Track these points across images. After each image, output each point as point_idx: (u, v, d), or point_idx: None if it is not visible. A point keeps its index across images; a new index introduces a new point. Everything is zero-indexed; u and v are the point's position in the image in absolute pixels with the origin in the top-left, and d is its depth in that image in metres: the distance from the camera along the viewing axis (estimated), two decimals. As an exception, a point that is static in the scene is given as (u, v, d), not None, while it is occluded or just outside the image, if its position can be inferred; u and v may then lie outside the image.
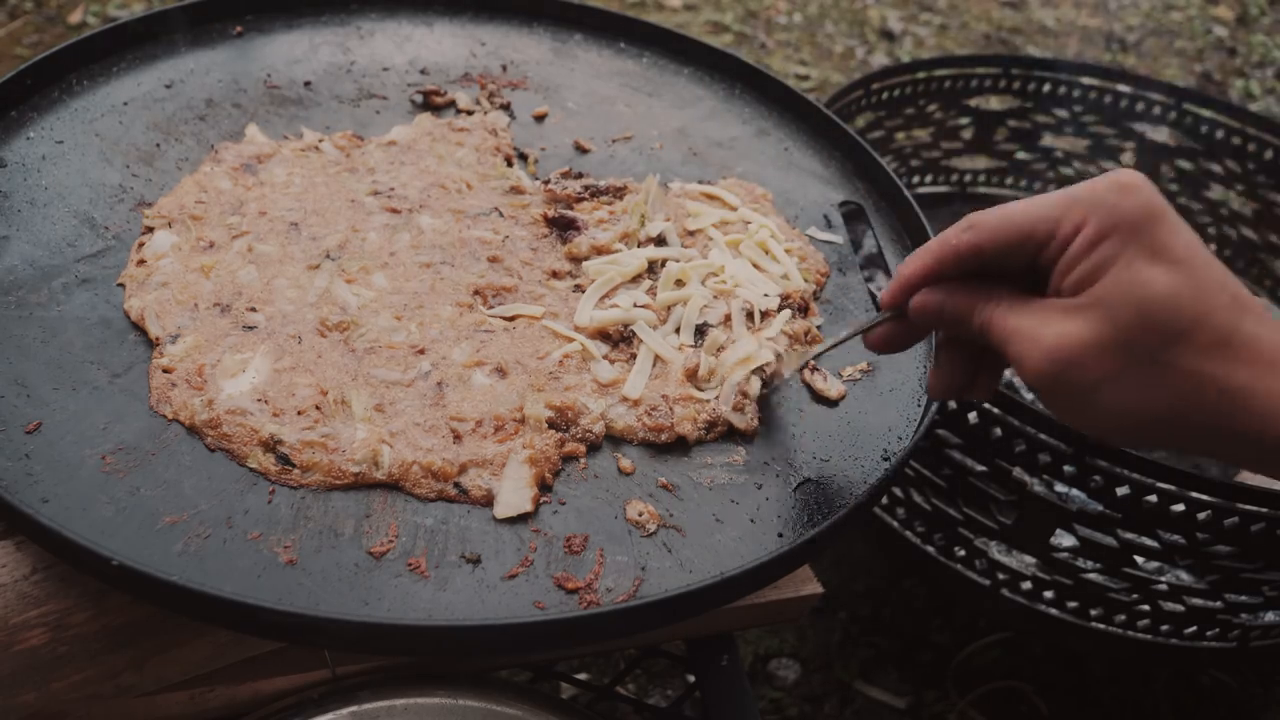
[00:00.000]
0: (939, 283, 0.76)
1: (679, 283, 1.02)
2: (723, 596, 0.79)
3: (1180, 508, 1.31)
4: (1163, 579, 1.43)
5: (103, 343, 0.90)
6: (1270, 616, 1.51)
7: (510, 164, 1.19)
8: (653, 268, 1.04)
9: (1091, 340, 0.66)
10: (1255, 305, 0.66)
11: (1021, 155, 2.25)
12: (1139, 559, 1.41)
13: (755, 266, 1.06)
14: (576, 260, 1.05)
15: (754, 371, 0.94)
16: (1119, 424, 0.68)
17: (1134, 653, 1.52)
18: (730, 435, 0.93)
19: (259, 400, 0.86)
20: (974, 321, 0.74)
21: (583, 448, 0.89)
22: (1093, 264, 0.67)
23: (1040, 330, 0.69)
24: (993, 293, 0.73)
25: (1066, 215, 0.68)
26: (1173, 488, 1.30)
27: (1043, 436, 1.35)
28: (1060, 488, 1.43)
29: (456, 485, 0.83)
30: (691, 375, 0.94)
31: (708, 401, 0.93)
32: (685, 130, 1.29)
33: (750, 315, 1.00)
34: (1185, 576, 1.49)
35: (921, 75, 2.06)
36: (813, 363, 0.99)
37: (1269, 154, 2.08)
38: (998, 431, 1.38)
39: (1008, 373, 1.84)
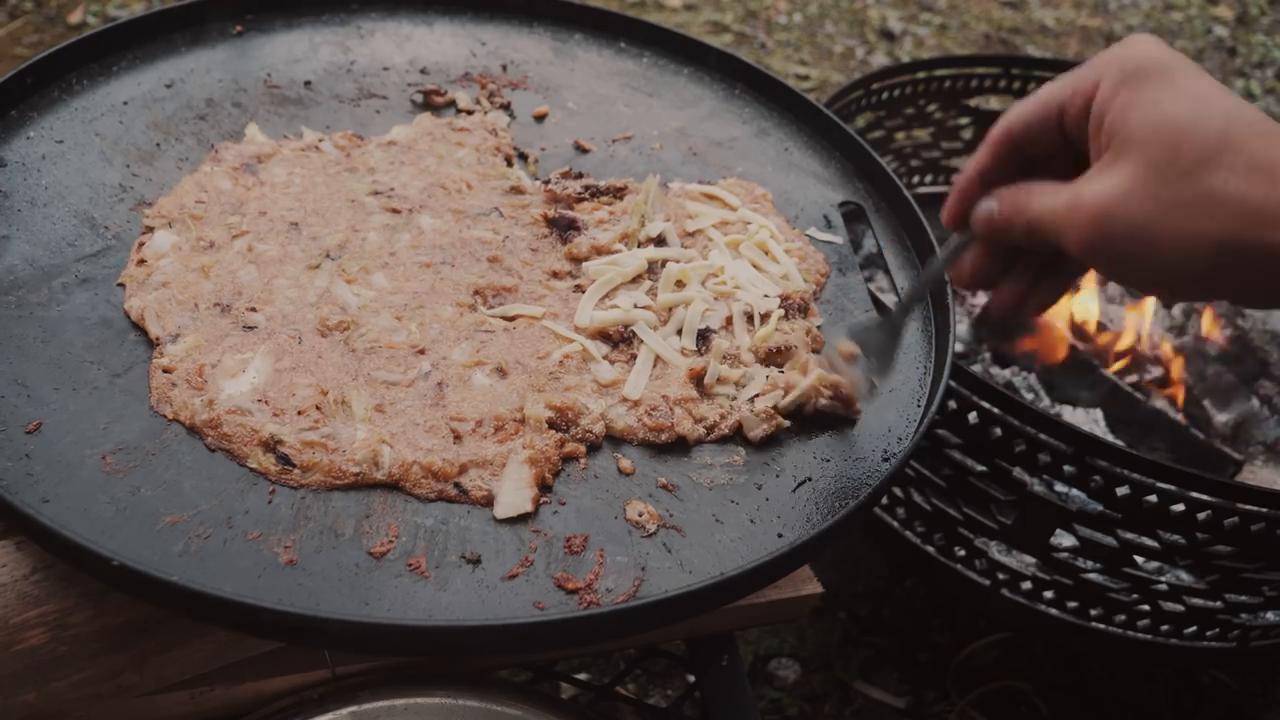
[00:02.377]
0: (990, 188, 0.77)
1: (679, 283, 1.02)
2: (723, 597, 0.79)
3: (1180, 508, 1.31)
4: (1163, 579, 1.43)
5: (103, 343, 0.90)
6: (1270, 616, 1.51)
7: (510, 164, 1.19)
8: (653, 268, 1.04)
9: (1129, 186, 0.66)
10: None
11: (1021, 155, 2.24)
12: (1139, 559, 1.41)
13: (755, 267, 1.06)
14: (576, 260, 1.05)
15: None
16: (1181, 271, 0.65)
17: (1134, 653, 1.52)
18: (730, 436, 0.93)
19: (259, 400, 0.86)
20: (1024, 217, 0.73)
21: (583, 448, 0.89)
22: (1115, 113, 0.67)
23: (1081, 196, 0.68)
24: (1037, 185, 0.73)
25: (1080, 81, 0.70)
26: (1173, 488, 1.30)
27: (1043, 436, 1.35)
28: (1060, 488, 1.43)
29: (456, 485, 0.83)
30: (697, 380, 0.94)
31: (724, 408, 0.93)
32: (685, 130, 1.29)
33: (750, 317, 1.00)
34: (1185, 576, 1.49)
35: (921, 75, 2.06)
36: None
37: (1269, 154, 2.07)
38: (998, 431, 1.38)
39: (1014, 379, 1.84)
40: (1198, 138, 0.64)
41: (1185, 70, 0.67)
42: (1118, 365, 1.89)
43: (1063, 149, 0.74)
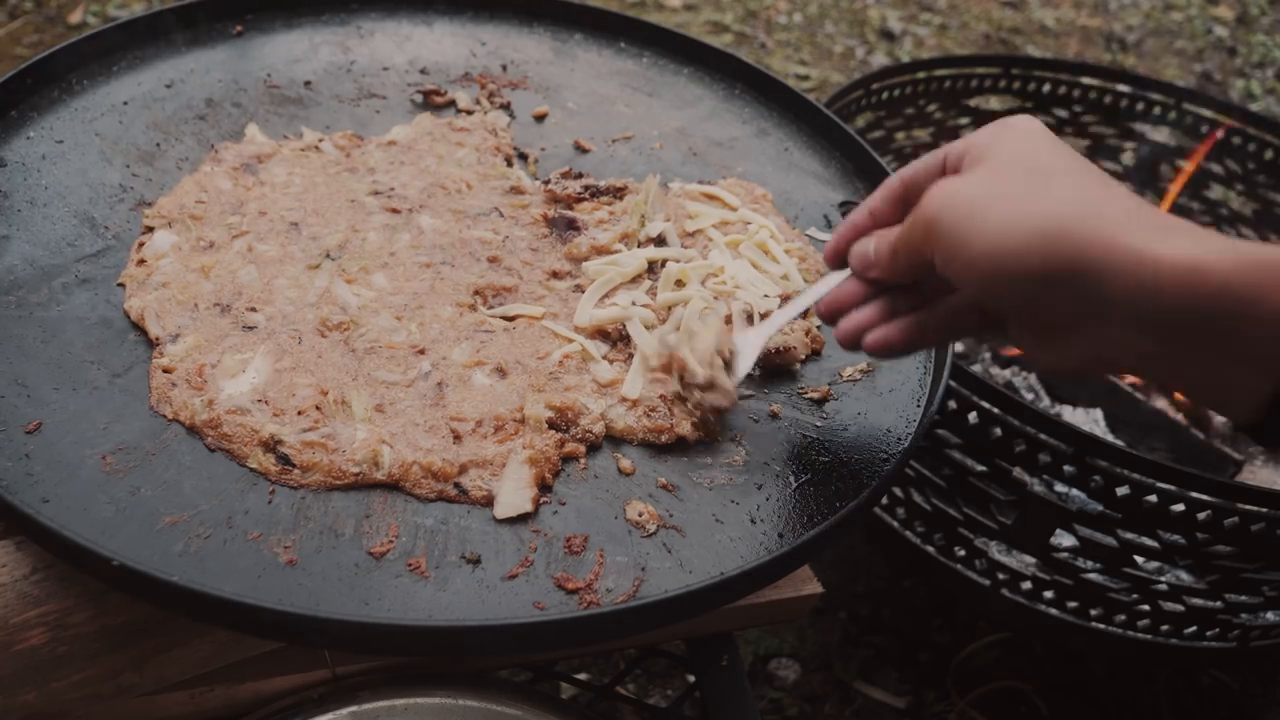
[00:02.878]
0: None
1: (679, 283, 1.02)
2: (723, 597, 0.79)
3: (1180, 508, 1.31)
4: (1163, 579, 1.43)
5: (103, 343, 0.90)
6: (1270, 616, 1.51)
7: (510, 164, 1.19)
8: (653, 268, 1.04)
9: (976, 177, 0.73)
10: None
11: (1021, 155, 2.24)
12: (1139, 559, 1.41)
13: (755, 267, 1.06)
14: (576, 260, 1.05)
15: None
16: (1001, 248, 0.68)
17: (1134, 653, 1.52)
18: (730, 433, 0.92)
19: (259, 400, 0.86)
20: (887, 242, 0.79)
21: (583, 448, 0.89)
22: (983, 145, 0.75)
23: (933, 190, 0.74)
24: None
25: (963, 140, 0.78)
26: (1173, 488, 1.30)
27: (1043, 436, 1.35)
28: (1060, 488, 1.44)
29: (456, 485, 0.83)
30: (666, 369, 0.92)
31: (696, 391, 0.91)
32: (685, 130, 1.29)
33: (750, 317, 1.00)
34: (1185, 576, 1.49)
35: (921, 75, 2.06)
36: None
37: (1269, 154, 2.08)
38: (998, 431, 1.38)
39: (1014, 379, 1.84)
40: (1042, 159, 0.72)
41: (1046, 133, 0.75)
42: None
43: None
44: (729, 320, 0.94)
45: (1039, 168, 0.71)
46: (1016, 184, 0.70)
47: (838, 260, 0.86)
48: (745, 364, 0.90)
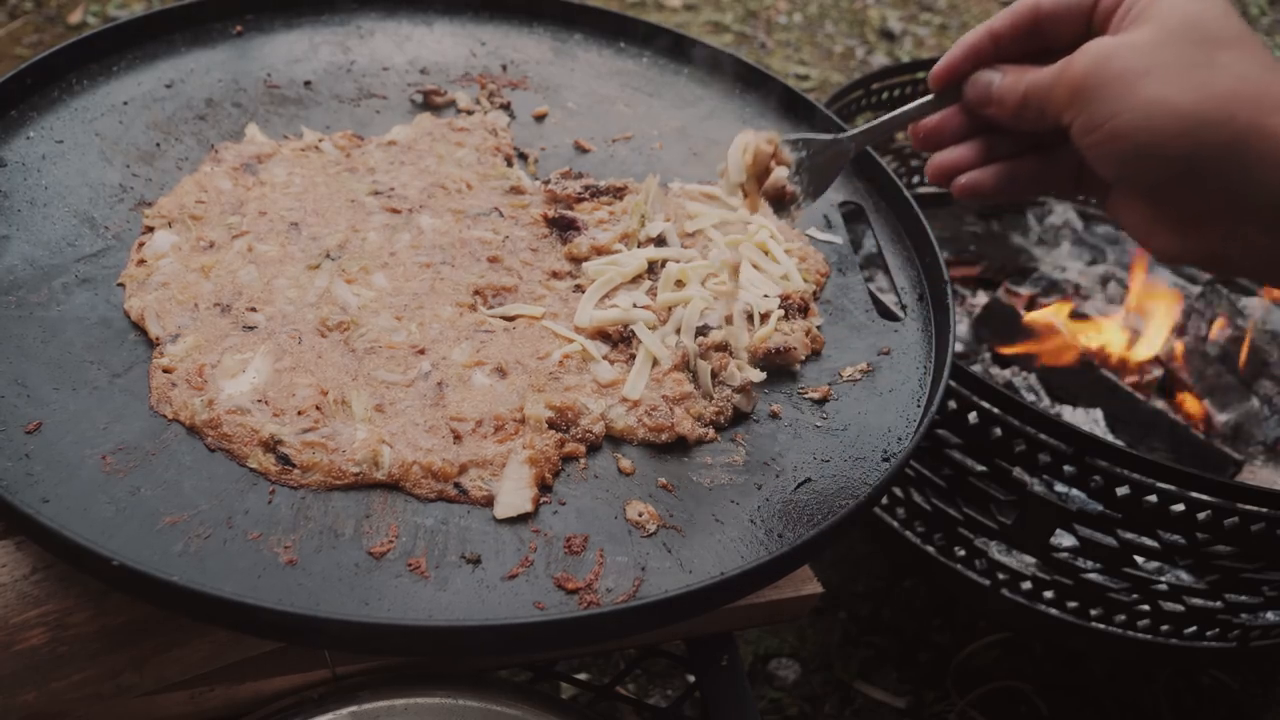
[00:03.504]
0: (995, 59, 0.76)
1: (679, 283, 1.02)
2: (723, 597, 0.79)
3: (1180, 508, 1.31)
4: (1163, 579, 1.43)
5: (103, 343, 0.90)
6: (1270, 616, 1.51)
7: (510, 164, 1.19)
8: (653, 268, 1.04)
9: (1137, 40, 0.66)
10: None
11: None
12: (1139, 559, 1.41)
13: (755, 267, 1.06)
14: (576, 260, 1.05)
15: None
16: (1157, 125, 0.63)
17: (1134, 653, 1.52)
18: (730, 433, 0.93)
19: (259, 400, 0.86)
20: (1020, 87, 0.72)
21: (583, 448, 0.89)
22: (1147, 1, 0.67)
23: (1082, 50, 0.68)
24: (1037, 68, 0.72)
25: None
26: (1173, 488, 1.30)
27: (1043, 436, 1.35)
28: (1060, 488, 1.43)
29: (456, 485, 0.83)
30: (682, 367, 0.93)
31: (719, 405, 0.93)
32: (685, 130, 1.29)
33: (750, 316, 1.00)
34: (1185, 576, 1.49)
35: (921, 75, 2.06)
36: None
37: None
38: (998, 431, 1.38)
39: (1014, 379, 1.84)
40: (1218, 27, 0.65)
41: None
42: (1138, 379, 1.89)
43: (1085, 36, 0.72)
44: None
45: (1205, 36, 0.65)
46: (1179, 54, 0.64)
47: (947, 81, 0.79)
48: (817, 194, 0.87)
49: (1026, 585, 1.52)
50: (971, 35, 0.77)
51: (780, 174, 0.86)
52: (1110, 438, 1.74)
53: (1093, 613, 1.49)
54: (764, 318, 1.00)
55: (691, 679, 1.14)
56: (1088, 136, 0.67)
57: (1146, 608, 1.47)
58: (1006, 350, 1.89)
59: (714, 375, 0.94)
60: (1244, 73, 0.63)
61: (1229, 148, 0.62)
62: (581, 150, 1.23)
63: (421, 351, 0.92)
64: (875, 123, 0.86)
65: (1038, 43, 0.75)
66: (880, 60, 3.52)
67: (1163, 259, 0.71)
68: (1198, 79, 0.63)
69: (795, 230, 1.15)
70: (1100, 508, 1.36)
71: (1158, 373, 1.90)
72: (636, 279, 1.03)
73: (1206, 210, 0.65)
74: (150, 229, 1.01)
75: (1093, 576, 1.46)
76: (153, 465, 0.81)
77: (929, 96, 0.81)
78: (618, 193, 1.12)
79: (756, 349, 0.98)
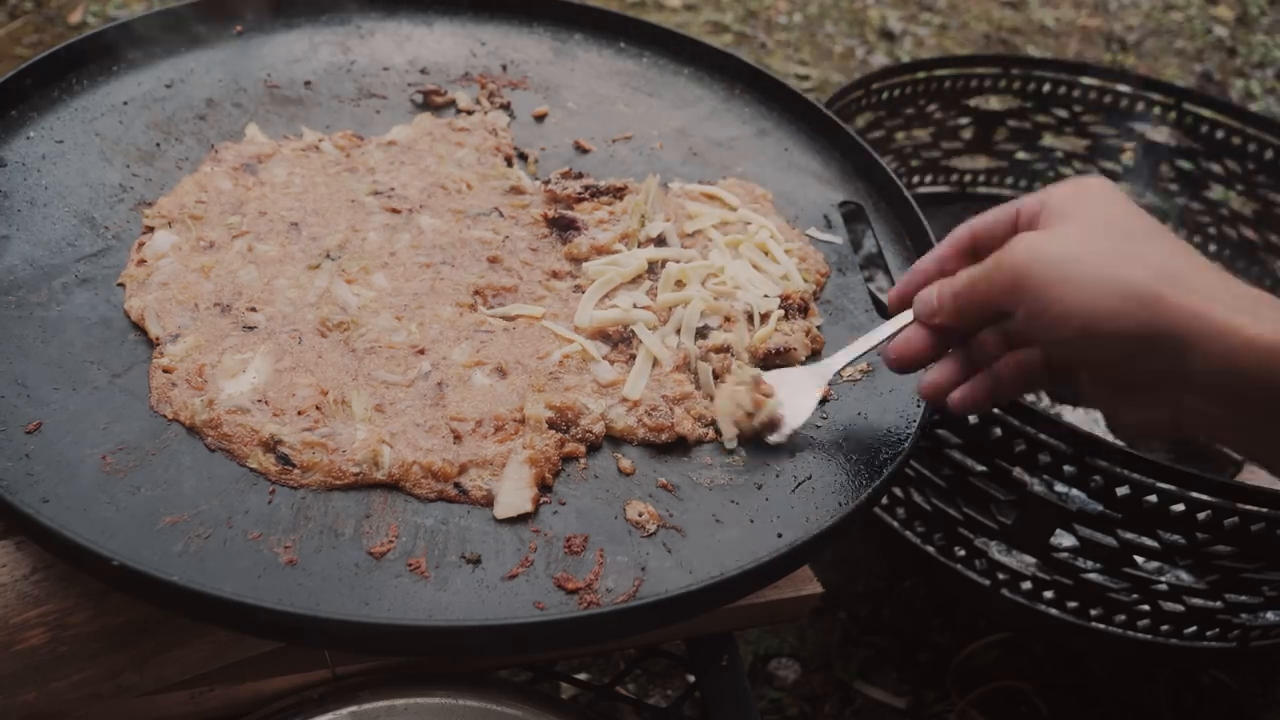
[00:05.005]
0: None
1: (679, 284, 1.02)
2: (723, 597, 0.79)
3: (1180, 508, 1.31)
4: (1163, 579, 1.43)
5: (103, 343, 0.90)
6: (1270, 616, 1.51)
7: (510, 164, 1.19)
8: (653, 268, 1.04)
9: (1064, 233, 0.74)
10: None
11: (1021, 155, 2.25)
12: (1139, 559, 1.41)
13: (755, 267, 1.06)
14: (576, 260, 1.05)
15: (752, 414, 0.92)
16: (1092, 310, 0.70)
17: (1134, 653, 1.52)
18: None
19: (259, 400, 0.86)
20: (953, 289, 0.81)
21: (583, 448, 0.89)
22: (1062, 203, 0.77)
23: (1016, 241, 0.76)
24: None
25: (1039, 194, 0.80)
26: (1173, 488, 1.30)
27: (1043, 436, 1.35)
28: (1060, 488, 1.43)
29: (456, 485, 0.83)
30: (683, 368, 0.94)
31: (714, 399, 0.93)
32: (685, 130, 1.29)
33: (750, 317, 1.00)
34: (1185, 576, 1.49)
35: (921, 75, 2.06)
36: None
37: (1269, 154, 2.08)
38: (998, 431, 1.38)
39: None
40: (1128, 222, 0.73)
41: (1122, 196, 0.76)
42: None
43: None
44: (759, 385, 0.94)
45: (1126, 230, 0.72)
46: (1107, 243, 0.71)
47: (901, 307, 0.89)
48: (798, 419, 0.92)
49: (1026, 585, 1.52)
50: (918, 263, 0.88)
51: (771, 406, 0.92)
52: (1110, 438, 1.74)
53: (1093, 613, 1.49)
54: (764, 318, 1.00)
55: (691, 679, 1.14)
56: (1036, 320, 0.74)
57: (1146, 608, 1.46)
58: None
59: (716, 376, 0.94)
60: (1163, 259, 0.70)
61: (1161, 328, 0.68)
62: (581, 150, 1.23)
63: (421, 351, 0.92)
64: (846, 353, 0.93)
65: (974, 259, 0.82)
66: (880, 60, 3.52)
67: (1132, 434, 0.79)
68: (1125, 266, 0.69)
69: (795, 230, 1.15)
70: (1100, 508, 1.36)
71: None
72: (636, 279, 1.03)
73: (1158, 381, 0.71)
74: (150, 229, 1.01)
75: (1093, 576, 1.46)
76: (153, 465, 0.81)
77: (896, 320, 0.89)
78: (618, 193, 1.12)
79: (756, 349, 0.98)
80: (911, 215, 1.16)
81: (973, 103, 2.15)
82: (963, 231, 0.84)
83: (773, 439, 0.92)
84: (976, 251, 0.83)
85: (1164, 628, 1.49)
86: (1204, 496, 1.30)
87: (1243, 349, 0.65)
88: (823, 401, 0.97)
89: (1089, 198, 0.76)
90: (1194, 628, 1.49)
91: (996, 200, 2.10)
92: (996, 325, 0.80)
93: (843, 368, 0.94)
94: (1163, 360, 0.68)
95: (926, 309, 0.83)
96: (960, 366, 0.84)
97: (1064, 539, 1.46)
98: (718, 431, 0.92)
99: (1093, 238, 0.72)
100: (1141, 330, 0.68)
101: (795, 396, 0.93)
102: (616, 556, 0.81)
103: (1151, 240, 0.72)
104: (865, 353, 0.92)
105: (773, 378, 0.94)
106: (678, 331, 0.98)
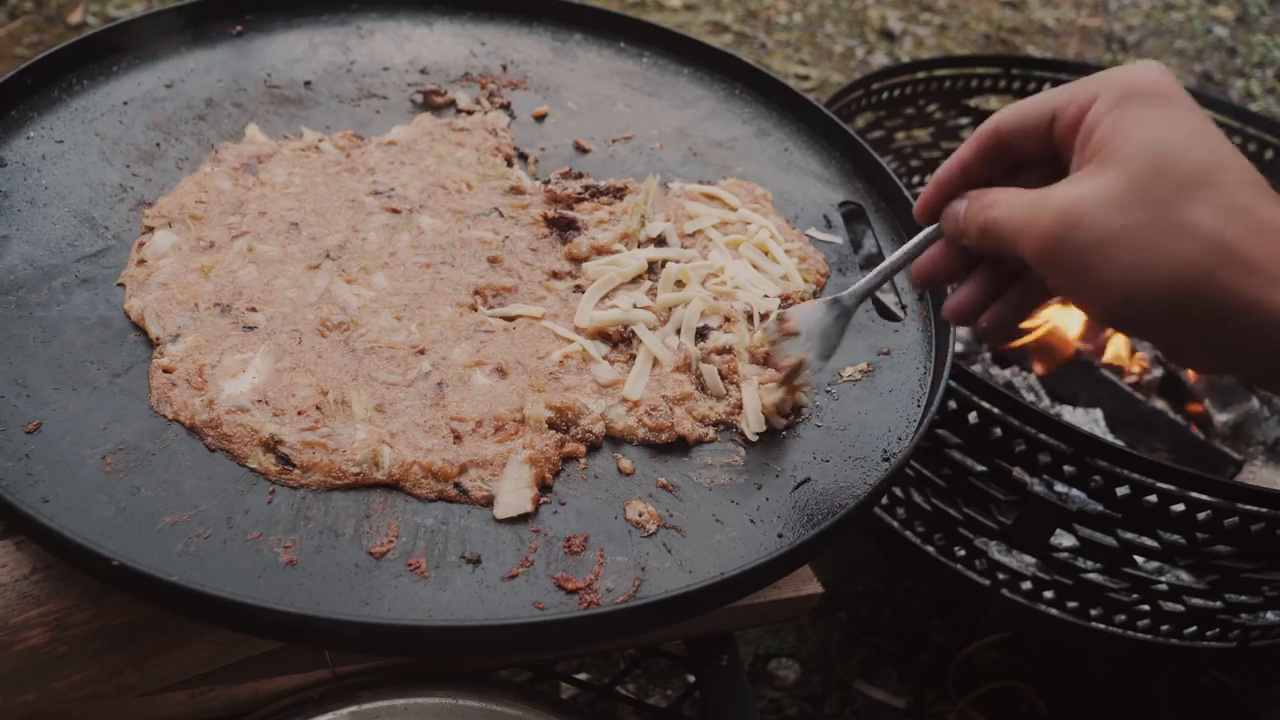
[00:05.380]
0: (970, 186, 0.75)
1: (679, 284, 1.02)
2: (723, 597, 0.79)
3: (1180, 508, 1.31)
4: (1163, 579, 1.43)
5: (103, 343, 0.90)
6: (1270, 616, 1.51)
7: (510, 164, 1.19)
8: (653, 268, 1.04)
9: (1104, 196, 0.64)
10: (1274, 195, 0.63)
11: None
12: (1139, 559, 1.41)
13: (755, 267, 1.06)
14: (576, 261, 1.05)
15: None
16: (1135, 293, 0.63)
17: (1134, 653, 1.52)
18: (730, 433, 0.93)
19: (259, 400, 0.86)
20: (981, 218, 0.72)
21: (583, 448, 0.89)
22: (1108, 127, 0.66)
23: (1047, 199, 0.66)
24: (1006, 189, 0.72)
25: (1079, 91, 0.69)
26: (1173, 488, 1.30)
27: (1043, 436, 1.35)
28: (1060, 488, 1.43)
29: (456, 485, 0.83)
30: (695, 376, 0.94)
31: (730, 406, 0.93)
32: (685, 130, 1.29)
33: (750, 316, 1.00)
34: (1185, 576, 1.49)
35: (921, 75, 2.06)
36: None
37: (1269, 154, 2.08)
38: (998, 431, 1.38)
39: (1014, 379, 1.84)
40: (1186, 165, 0.63)
41: (1184, 101, 0.66)
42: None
43: (1048, 159, 0.72)
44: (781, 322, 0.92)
45: (1179, 179, 0.62)
46: (1151, 211, 0.62)
47: (928, 218, 0.80)
48: (824, 358, 0.89)
49: (1026, 585, 1.52)
50: (942, 169, 0.77)
51: (792, 346, 0.89)
52: (1110, 438, 1.74)
53: (1093, 613, 1.49)
54: (764, 317, 1.00)
55: (691, 679, 1.14)
56: (1071, 293, 0.67)
57: (1146, 608, 1.47)
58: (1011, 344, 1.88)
59: (723, 377, 0.94)
60: (1215, 230, 0.61)
61: (1208, 314, 0.62)
62: (581, 150, 1.23)
63: (421, 351, 0.92)
64: (872, 274, 0.86)
65: (1006, 160, 0.75)
66: (880, 60, 3.52)
67: (1179, 365, 0.72)
68: (1175, 234, 0.61)
69: (795, 230, 1.15)
70: (1100, 508, 1.36)
71: (1158, 372, 1.90)
72: (636, 279, 1.03)
73: (1208, 345, 0.65)
74: (150, 229, 1.01)
75: (1093, 576, 1.46)
76: (153, 465, 0.81)
77: (923, 233, 0.81)
78: (618, 193, 1.12)
79: (755, 350, 0.98)
80: (911, 215, 1.16)
81: (973, 103, 2.15)
82: (988, 129, 0.74)
83: (801, 380, 0.90)
84: (1005, 154, 0.74)
85: (1164, 628, 1.49)
86: (1204, 496, 1.30)
87: None
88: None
89: (1138, 120, 0.65)
90: (1194, 628, 1.49)
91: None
92: None
93: (866, 292, 0.87)
94: (1215, 334, 0.62)
95: (955, 228, 0.75)
96: (986, 285, 0.78)
97: (1064, 539, 1.46)
98: (718, 432, 0.92)
99: (1136, 201, 0.62)
100: (1186, 316, 0.62)
101: (821, 335, 0.89)
102: (616, 556, 0.81)
103: (1211, 195, 0.61)
104: (887, 274, 0.85)
105: (793, 313, 0.90)
106: (678, 332, 0.98)
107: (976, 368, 1.88)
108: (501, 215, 1.09)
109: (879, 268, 0.86)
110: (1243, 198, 0.62)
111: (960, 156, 0.77)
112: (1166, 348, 0.67)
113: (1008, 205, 0.70)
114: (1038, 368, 1.87)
